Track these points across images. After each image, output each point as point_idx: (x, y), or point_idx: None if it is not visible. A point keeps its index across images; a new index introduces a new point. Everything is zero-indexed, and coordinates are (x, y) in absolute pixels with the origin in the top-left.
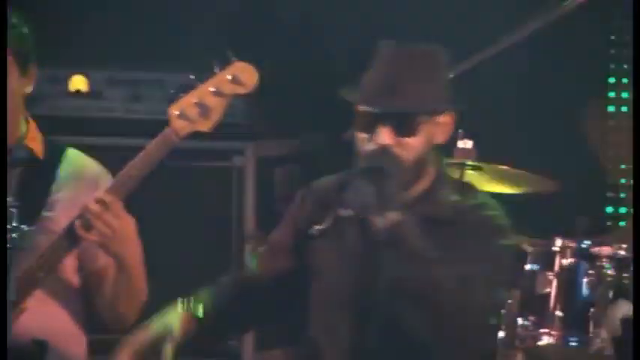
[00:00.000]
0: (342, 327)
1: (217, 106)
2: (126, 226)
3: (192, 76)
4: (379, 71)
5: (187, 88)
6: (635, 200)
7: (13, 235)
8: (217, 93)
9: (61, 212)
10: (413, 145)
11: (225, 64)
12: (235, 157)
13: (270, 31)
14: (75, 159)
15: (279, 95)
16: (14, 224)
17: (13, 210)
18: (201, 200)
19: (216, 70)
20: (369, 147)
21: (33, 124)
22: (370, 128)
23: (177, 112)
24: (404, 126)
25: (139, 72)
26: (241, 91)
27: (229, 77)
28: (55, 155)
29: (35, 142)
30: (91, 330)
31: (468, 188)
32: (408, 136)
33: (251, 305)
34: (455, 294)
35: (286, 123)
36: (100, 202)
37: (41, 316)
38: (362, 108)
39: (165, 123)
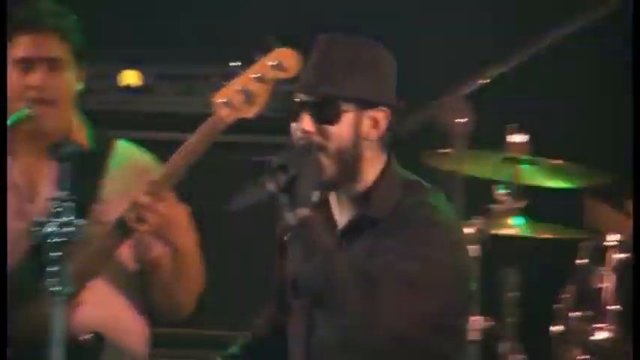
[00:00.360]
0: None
1: (261, 92)
2: (178, 214)
3: (234, 64)
4: (311, 60)
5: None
6: (635, 200)
7: (67, 228)
8: (260, 79)
9: (113, 204)
10: (334, 134)
11: (267, 50)
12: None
13: (317, 22)
14: (125, 150)
15: None
16: (67, 217)
17: (66, 204)
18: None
19: (258, 57)
20: (296, 135)
21: (81, 118)
22: (298, 116)
23: (221, 100)
24: (325, 113)
25: (190, 66)
26: (284, 76)
27: (272, 63)
28: (105, 148)
29: (82, 136)
30: (150, 323)
31: (416, 187)
32: (329, 123)
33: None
34: (358, 295)
35: None
36: (150, 192)
37: (99, 309)
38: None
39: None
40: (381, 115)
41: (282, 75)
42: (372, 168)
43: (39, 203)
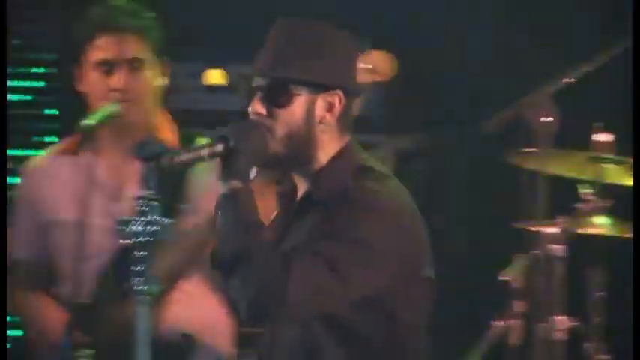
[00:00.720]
0: None
1: None
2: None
3: None
4: (267, 43)
5: None
6: (635, 200)
7: (152, 227)
8: None
9: (199, 203)
10: (285, 117)
11: (361, 51)
12: (370, 150)
13: (406, 23)
14: None
15: (414, 88)
16: (153, 217)
17: (152, 203)
18: None
19: None
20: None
21: (166, 117)
22: (251, 99)
23: None
24: (275, 96)
25: None
26: (378, 79)
27: (367, 66)
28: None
29: (169, 134)
30: (237, 322)
31: (365, 172)
32: (279, 106)
33: None
34: (269, 270)
35: (419, 117)
36: None
37: (188, 308)
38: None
39: None
40: (336, 99)
41: (376, 78)
42: (327, 150)
43: (125, 202)
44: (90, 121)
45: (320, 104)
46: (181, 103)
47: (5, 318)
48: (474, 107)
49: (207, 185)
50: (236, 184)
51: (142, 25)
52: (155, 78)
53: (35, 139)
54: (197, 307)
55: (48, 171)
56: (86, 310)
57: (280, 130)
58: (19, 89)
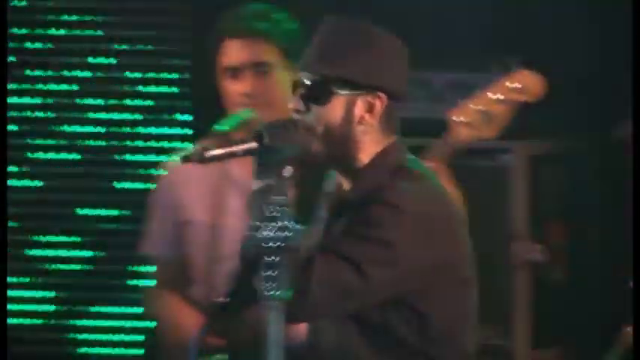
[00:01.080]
0: None
1: (501, 113)
2: None
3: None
4: (313, 40)
5: (453, 87)
6: (635, 200)
7: (283, 233)
8: (502, 101)
9: None
10: (323, 115)
11: (508, 71)
12: (501, 155)
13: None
14: None
15: (549, 93)
16: (285, 222)
17: (283, 208)
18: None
19: (499, 76)
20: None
21: None
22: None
23: (459, 119)
24: (315, 94)
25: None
26: (525, 99)
27: (514, 85)
28: None
29: None
30: None
31: (401, 174)
32: (318, 104)
33: None
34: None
35: (553, 122)
36: None
37: None
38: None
39: (430, 122)
40: (377, 101)
41: (523, 98)
42: (369, 151)
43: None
44: (223, 126)
45: (360, 105)
46: None
47: (5, 318)
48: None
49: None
50: (268, 181)
51: (269, 28)
52: (286, 81)
53: (168, 144)
54: None
55: (184, 172)
56: (220, 312)
57: (319, 129)
58: (152, 95)
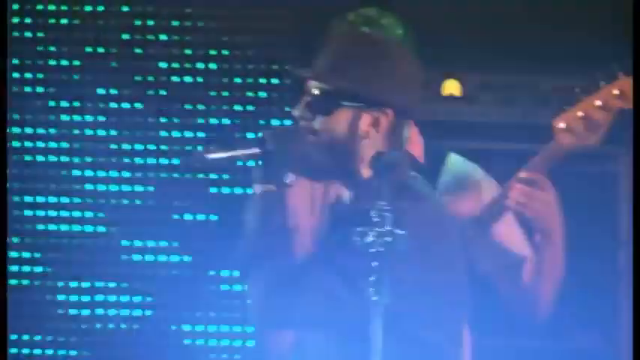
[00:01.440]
0: None
1: (604, 120)
2: (553, 199)
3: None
4: (325, 49)
5: (561, 93)
6: (635, 199)
7: (386, 238)
8: (604, 107)
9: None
10: (328, 126)
11: (612, 78)
12: (609, 162)
13: None
14: (457, 164)
15: None
16: (386, 227)
17: (385, 214)
18: (573, 205)
19: (602, 83)
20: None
21: (415, 129)
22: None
23: (562, 126)
24: (322, 103)
25: (512, 75)
26: (628, 106)
27: (616, 92)
28: (437, 160)
29: (416, 147)
30: None
31: (413, 193)
32: (324, 114)
33: None
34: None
35: None
36: (526, 180)
37: None
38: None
39: (537, 127)
40: (384, 117)
41: (626, 106)
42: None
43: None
44: None
45: (365, 119)
46: (421, 114)
47: (5, 318)
48: None
49: (452, 200)
50: (270, 187)
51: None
52: None
53: None
54: None
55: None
56: None
57: (323, 139)
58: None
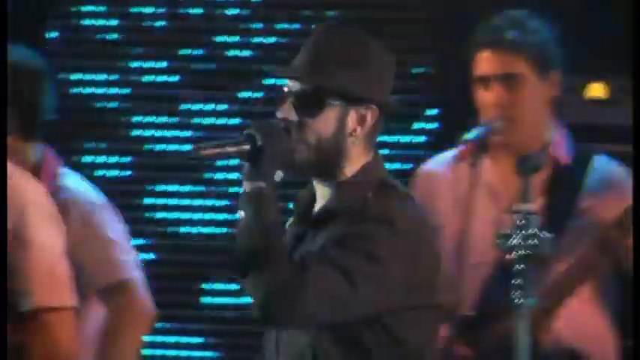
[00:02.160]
0: None
1: None
2: None
3: None
4: (304, 49)
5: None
6: (635, 199)
7: (531, 241)
8: None
9: (590, 219)
10: (315, 126)
11: None
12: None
13: None
14: (604, 166)
15: None
16: (532, 230)
17: (531, 216)
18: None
19: None
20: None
21: (560, 131)
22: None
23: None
24: (308, 104)
25: None
26: None
27: None
28: (583, 162)
29: (559, 149)
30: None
31: (384, 187)
32: (311, 115)
33: None
34: (287, 273)
35: None
36: None
37: (574, 325)
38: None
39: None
40: (369, 113)
41: None
42: (355, 164)
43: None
44: (471, 135)
45: (353, 116)
46: (567, 117)
47: (5, 319)
48: None
49: (597, 204)
50: (260, 184)
51: (522, 38)
52: (537, 94)
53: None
54: (584, 325)
55: (437, 179)
56: (470, 322)
57: (310, 138)
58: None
